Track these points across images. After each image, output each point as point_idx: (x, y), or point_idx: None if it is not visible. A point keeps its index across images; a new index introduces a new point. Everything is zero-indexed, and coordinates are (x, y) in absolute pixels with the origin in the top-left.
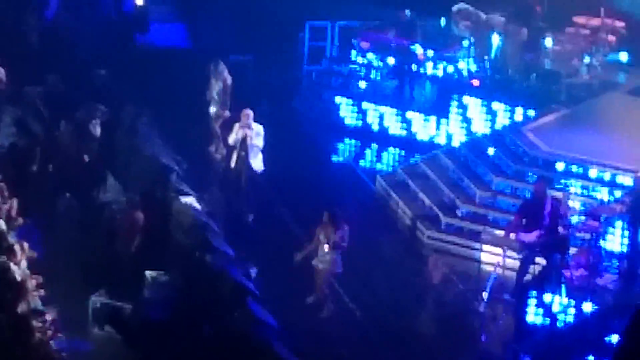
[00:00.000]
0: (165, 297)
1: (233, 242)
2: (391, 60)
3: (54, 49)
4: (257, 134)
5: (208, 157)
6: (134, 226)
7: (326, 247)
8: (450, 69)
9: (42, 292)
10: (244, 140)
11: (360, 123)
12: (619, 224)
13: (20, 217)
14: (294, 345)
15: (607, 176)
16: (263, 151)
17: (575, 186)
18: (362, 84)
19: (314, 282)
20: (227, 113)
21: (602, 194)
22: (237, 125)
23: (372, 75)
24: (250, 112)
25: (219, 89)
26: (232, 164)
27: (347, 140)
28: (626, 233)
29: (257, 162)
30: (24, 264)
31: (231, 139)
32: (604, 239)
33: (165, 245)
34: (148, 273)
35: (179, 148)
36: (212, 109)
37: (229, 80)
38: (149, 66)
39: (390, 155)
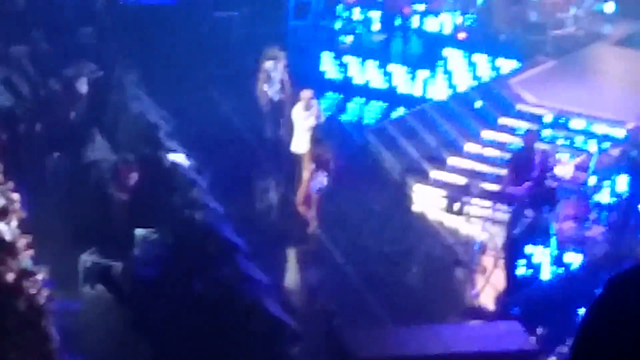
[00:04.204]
0: (155, 255)
1: (222, 198)
2: (377, 14)
3: (40, 8)
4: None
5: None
6: (123, 184)
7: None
8: (437, 22)
9: (32, 252)
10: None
11: (346, 77)
12: (607, 175)
13: (8, 178)
14: (283, 300)
15: (594, 128)
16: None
17: (562, 138)
18: (349, 39)
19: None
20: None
21: (590, 145)
22: (300, 107)
23: (359, 30)
24: (311, 91)
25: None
26: (305, 147)
27: (333, 94)
28: (614, 185)
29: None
30: (14, 223)
31: (303, 124)
32: (592, 191)
33: (155, 203)
34: (138, 231)
35: (167, 105)
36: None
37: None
38: (135, 23)
39: (377, 109)
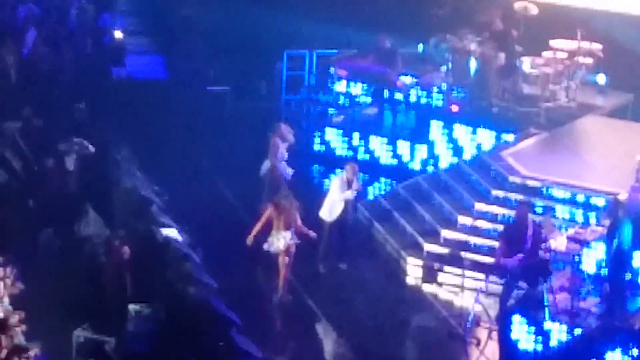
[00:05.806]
0: (148, 330)
1: (216, 273)
2: (369, 88)
3: (32, 84)
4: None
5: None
6: (116, 260)
7: (282, 231)
8: (429, 95)
9: (24, 327)
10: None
11: (338, 151)
12: (600, 246)
13: (1, 253)
14: None
15: (587, 199)
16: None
17: (555, 210)
18: (340, 112)
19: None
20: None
21: (583, 217)
22: (341, 179)
23: (350, 104)
24: (356, 166)
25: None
26: (335, 216)
27: (324, 168)
28: (607, 255)
29: None
30: (6, 300)
31: (340, 196)
32: (585, 262)
33: (148, 278)
34: (131, 306)
35: (159, 180)
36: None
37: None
38: (127, 99)
39: (370, 183)
